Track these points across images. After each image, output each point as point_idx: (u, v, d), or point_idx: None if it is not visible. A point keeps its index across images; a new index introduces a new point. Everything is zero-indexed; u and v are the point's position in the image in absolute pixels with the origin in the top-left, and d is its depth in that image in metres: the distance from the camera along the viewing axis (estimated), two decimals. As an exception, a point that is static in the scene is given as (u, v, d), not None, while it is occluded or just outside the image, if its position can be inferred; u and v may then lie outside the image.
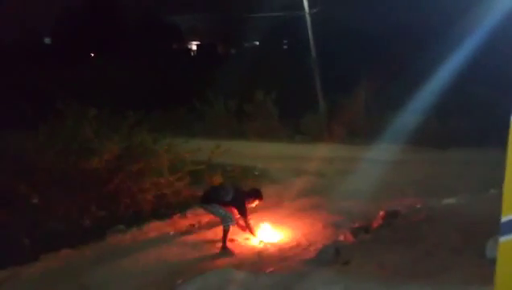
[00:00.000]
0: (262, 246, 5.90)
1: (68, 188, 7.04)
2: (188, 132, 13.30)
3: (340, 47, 18.24)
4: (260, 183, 8.80)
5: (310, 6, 14.95)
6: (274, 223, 6.56)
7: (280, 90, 15.21)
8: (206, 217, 6.83)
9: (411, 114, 12.31)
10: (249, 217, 6.00)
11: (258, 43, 31.30)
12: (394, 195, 7.52)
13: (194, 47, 38.97)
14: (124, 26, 33.69)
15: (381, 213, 6.11)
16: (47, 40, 36.10)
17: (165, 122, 13.87)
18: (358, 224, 6.07)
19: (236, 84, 15.79)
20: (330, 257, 4.83)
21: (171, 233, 6.67)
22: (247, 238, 6.08)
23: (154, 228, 6.89)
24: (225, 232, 5.79)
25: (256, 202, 6.13)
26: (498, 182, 2.03)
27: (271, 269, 4.95)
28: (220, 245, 5.81)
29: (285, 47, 29.86)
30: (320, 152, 11.81)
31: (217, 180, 8.47)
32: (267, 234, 6.19)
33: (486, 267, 3.51)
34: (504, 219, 1.91)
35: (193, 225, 6.90)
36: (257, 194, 6.15)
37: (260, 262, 5.32)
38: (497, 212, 1.97)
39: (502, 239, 1.94)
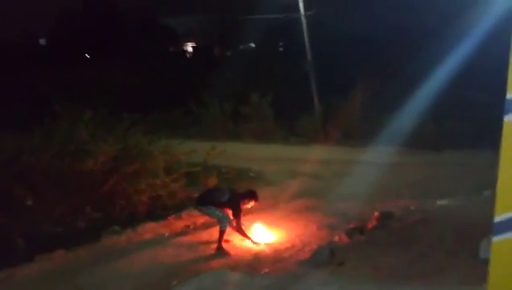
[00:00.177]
0: (256, 247, 5.91)
1: (63, 190, 7.01)
2: (184, 134, 13.28)
3: (336, 49, 18.29)
4: (255, 185, 8.78)
5: (305, 9, 15.00)
6: (270, 224, 6.57)
7: (276, 92, 15.23)
8: (201, 219, 6.83)
9: (407, 117, 12.36)
10: (242, 219, 6.00)
11: (253, 45, 31.34)
12: (388, 197, 7.54)
13: (190, 49, 38.97)
14: (120, 28, 33.64)
15: (376, 214, 6.13)
16: (42, 41, 35.98)
17: (161, 124, 13.85)
18: (353, 225, 6.08)
19: (231, 86, 15.79)
20: (325, 258, 4.84)
21: (166, 234, 6.67)
22: (242, 239, 6.09)
23: (149, 229, 6.88)
24: (222, 233, 5.80)
25: (251, 203, 6.14)
26: (492, 184, 2.05)
27: (266, 270, 4.96)
28: (215, 246, 5.81)
29: (281, 49, 29.93)
30: (316, 154, 11.82)
31: (213, 181, 8.48)
32: (261, 235, 6.19)
33: (480, 268, 3.54)
34: (496, 219, 1.93)
35: (188, 227, 6.90)
36: (252, 195, 6.17)
37: (255, 263, 5.32)
38: (490, 213, 1.99)
39: (495, 239, 1.95)
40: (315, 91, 15.11)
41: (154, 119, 14.21)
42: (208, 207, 5.94)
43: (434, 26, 16.43)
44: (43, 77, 20.90)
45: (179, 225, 7.03)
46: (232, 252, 5.76)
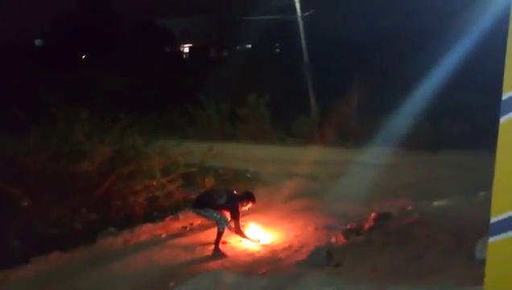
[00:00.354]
0: (258, 246, 5.91)
1: (59, 191, 6.98)
2: (181, 135, 13.26)
3: (333, 51, 18.34)
4: (252, 185, 8.80)
5: (302, 10, 15.02)
6: (267, 225, 6.58)
7: (272, 93, 15.24)
8: (198, 220, 6.82)
9: (403, 117, 12.41)
10: (240, 220, 6.00)
11: (250, 46, 31.36)
12: (385, 197, 7.55)
13: (186, 50, 38.95)
14: (116, 29, 33.60)
15: (373, 215, 6.15)
16: (38, 42, 35.86)
17: (157, 125, 13.84)
18: (350, 226, 6.09)
19: (228, 87, 15.79)
20: (322, 259, 4.85)
21: (163, 235, 6.65)
22: (240, 240, 6.08)
23: (145, 231, 6.86)
24: (219, 234, 5.79)
25: (249, 205, 6.15)
26: (488, 185, 2.06)
27: (263, 271, 4.96)
28: (212, 247, 5.81)
29: (277, 50, 29.96)
30: (312, 155, 11.83)
31: (210, 182, 8.48)
32: (258, 235, 6.19)
33: (476, 269, 3.55)
34: (493, 220, 1.93)
35: (185, 228, 6.89)
36: (249, 197, 6.18)
37: (252, 264, 5.32)
38: (487, 214, 1.99)
39: (491, 240, 1.96)
40: (311, 92, 15.13)
41: (150, 120, 14.19)
42: (206, 209, 5.94)
43: (430, 27, 16.51)
44: (39, 78, 20.83)
45: (175, 226, 7.02)
46: (229, 253, 5.76)
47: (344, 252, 4.95)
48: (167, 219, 7.31)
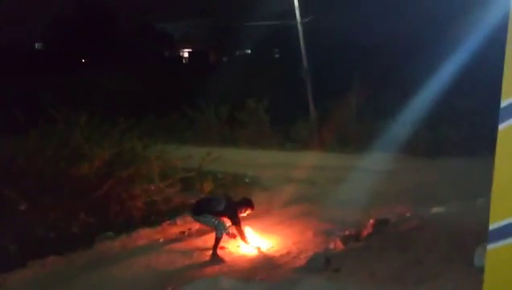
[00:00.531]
0: (258, 252, 5.89)
1: (57, 194, 6.96)
2: (180, 139, 13.26)
3: (332, 56, 18.42)
4: (251, 190, 8.80)
5: (302, 16, 15.08)
6: (265, 231, 6.56)
7: (271, 98, 15.28)
8: (196, 225, 6.79)
9: (401, 123, 12.43)
10: (242, 225, 5.99)
11: (249, 51, 31.46)
12: (384, 203, 7.55)
13: (186, 55, 39.04)
14: (116, 33, 33.66)
15: (372, 221, 6.13)
16: (38, 46, 35.94)
17: (156, 129, 13.84)
18: (348, 232, 6.08)
19: (227, 91, 15.83)
20: (320, 265, 4.83)
21: (161, 240, 6.63)
22: (238, 246, 6.06)
23: (143, 235, 6.84)
24: (217, 240, 5.76)
25: (248, 211, 6.14)
26: (487, 191, 2.06)
27: (261, 277, 4.94)
28: (210, 252, 5.79)
29: (276, 55, 30.06)
30: (311, 160, 11.83)
31: (208, 187, 8.46)
32: (257, 241, 6.17)
33: (475, 275, 3.54)
34: (491, 227, 1.93)
35: (183, 233, 6.86)
36: (248, 203, 6.17)
37: (250, 270, 5.30)
38: (486, 220, 1.99)
39: (490, 247, 1.96)
40: (310, 97, 15.16)
41: (149, 123, 14.19)
42: (205, 215, 5.91)
43: (430, 33, 16.59)
44: (39, 81, 20.86)
45: (173, 231, 7.00)
46: (227, 259, 5.74)
47: (342, 258, 4.93)
48: (165, 224, 7.28)
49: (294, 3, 14.89)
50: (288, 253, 5.78)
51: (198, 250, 6.02)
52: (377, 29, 18.70)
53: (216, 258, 5.69)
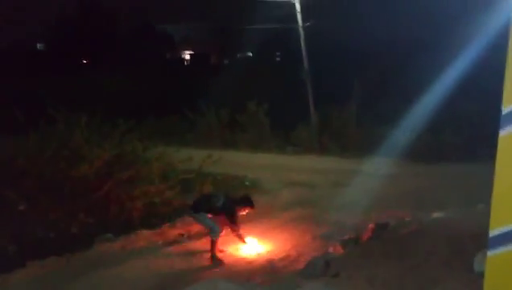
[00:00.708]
0: (256, 255, 5.87)
1: (56, 195, 6.96)
2: (180, 142, 13.27)
3: (333, 60, 18.44)
4: (251, 193, 8.78)
5: (303, 20, 15.11)
6: (264, 234, 6.55)
7: (272, 101, 15.29)
8: (195, 227, 6.78)
9: (402, 128, 12.43)
10: (239, 225, 5.96)
11: (251, 54, 31.51)
12: (383, 207, 7.54)
13: (187, 57, 39.10)
14: (117, 34, 33.72)
15: (371, 225, 6.12)
16: (40, 46, 36.01)
17: (157, 131, 13.84)
18: (348, 236, 6.07)
19: (228, 94, 15.84)
20: (319, 269, 4.81)
21: (160, 242, 6.62)
22: (237, 249, 6.06)
23: (142, 237, 6.83)
24: (213, 243, 5.74)
25: (247, 210, 6.06)
26: (486, 196, 2.06)
27: (260, 280, 4.93)
28: (209, 255, 5.77)
29: (278, 58, 30.12)
30: (311, 164, 11.84)
31: (207, 189, 8.46)
32: (256, 244, 6.16)
33: (474, 281, 3.53)
34: (491, 233, 1.93)
35: (182, 235, 6.85)
36: (248, 202, 6.08)
37: (249, 273, 5.29)
38: (485, 226, 1.99)
39: (490, 253, 1.96)
40: (311, 101, 15.17)
41: (149, 126, 14.19)
42: (202, 214, 5.87)
43: (431, 38, 16.62)
44: (39, 81, 20.88)
45: (173, 233, 6.99)
46: (226, 262, 5.73)
47: (341, 262, 4.92)
48: (165, 226, 7.27)
49: (296, 7, 14.93)
50: (287, 256, 5.77)
51: (197, 253, 6.01)
52: (378, 34, 18.76)
53: (215, 261, 5.68)
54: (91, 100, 15.25)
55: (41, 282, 5.36)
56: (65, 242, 6.40)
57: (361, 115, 14.57)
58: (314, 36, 15.51)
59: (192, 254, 6.03)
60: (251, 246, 6.07)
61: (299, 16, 15.03)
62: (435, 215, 6.43)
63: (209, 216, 5.83)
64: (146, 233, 6.97)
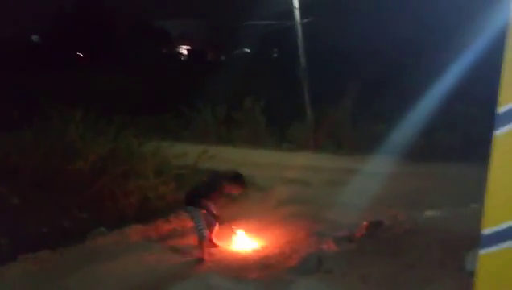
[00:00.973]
0: (243, 252, 5.87)
1: (50, 189, 6.93)
2: (176, 137, 13.25)
3: (330, 58, 18.46)
4: (245, 189, 8.78)
5: (301, 17, 15.09)
6: (259, 230, 6.55)
7: (268, 98, 15.30)
8: (190, 223, 6.76)
9: (397, 127, 12.47)
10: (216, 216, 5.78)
11: (248, 50, 31.47)
12: (378, 206, 7.56)
13: (184, 52, 38.98)
14: (113, 30, 33.55)
15: (365, 223, 6.14)
16: (35, 38, 35.74)
17: (152, 127, 13.81)
18: (341, 233, 6.09)
19: (225, 90, 15.83)
20: (313, 265, 4.83)
21: (154, 237, 6.61)
22: (230, 244, 6.06)
23: (136, 232, 6.81)
24: (201, 243, 5.67)
25: (237, 190, 5.74)
26: (479, 196, 2.07)
27: (254, 276, 4.94)
28: (202, 251, 5.76)
29: (275, 55, 30.10)
30: (306, 161, 11.86)
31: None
32: (248, 240, 6.15)
33: (466, 280, 3.56)
34: (484, 232, 1.94)
35: (176, 230, 6.84)
36: (237, 179, 5.59)
37: (242, 269, 5.29)
38: (477, 226, 2.00)
39: (482, 252, 1.96)
40: (307, 98, 15.19)
41: (145, 121, 14.16)
42: (194, 208, 5.71)
43: (428, 37, 16.66)
44: (34, 76, 20.75)
45: (167, 228, 6.98)
46: (219, 257, 5.72)
47: (335, 259, 4.94)
48: (159, 221, 7.26)
49: (293, 3, 14.91)
50: (281, 253, 5.78)
51: (191, 248, 6.00)
52: (376, 33, 18.77)
53: (203, 257, 5.63)
54: (86, 96, 15.20)
55: (33, 276, 5.33)
56: (58, 236, 6.37)
57: (357, 114, 14.62)
58: (311, 34, 15.52)
59: (186, 249, 6.02)
60: (245, 242, 6.07)
61: (296, 12, 15.01)
62: (429, 214, 6.46)
63: (204, 211, 5.78)
64: (139, 227, 6.95)
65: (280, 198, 8.45)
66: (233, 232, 6.08)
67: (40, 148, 7.21)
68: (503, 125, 1.86)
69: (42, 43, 34.37)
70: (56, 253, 5.98)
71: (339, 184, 9.30)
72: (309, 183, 9.66)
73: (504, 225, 1.88)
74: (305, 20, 15.13)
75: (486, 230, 1.92)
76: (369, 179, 9.29)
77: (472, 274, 2.16)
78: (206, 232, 5.68)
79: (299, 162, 11.65)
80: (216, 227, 5.96)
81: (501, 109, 1.86)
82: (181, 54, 38.70)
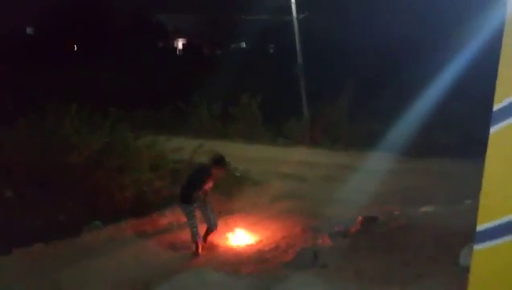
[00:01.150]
0: (238, 247, 5.88)
1: (45, 183, 6.90)
2: (172, 132, 13.20)
3: (327, 54, 18.44)
4: (241, 184, 8.80)
5: (298, 12, 15.04)
6: (254, 225, 6.57)
7: (265, 94, 15.27)
8: (185, 217, 6.77)
9: (393, 124, 12.49)
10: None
11: (244, 45, 31.37)
12: (373, 201, 7.59)
13: (180, 46, 38.75)
14: (110, 24, 33.30)
15: (360, 218, 6.16)
16: (30, 30, 35.37)
17: (148, 121, 13.76)
18: (337, 228, 6.11)
19: (221, 85, 15.79)
20: (308, 260, 4.85)
21: (149, 231, 6.60)
22: (226, 239, 6.07)
23: (131, 226, 6.80)
24: (196, 242, 5.68)
25: (220, 172, 5.72)
26: (474, 193, 2.08)
27: (249, 270, 4.95)
28: (195, 245, 5.76)
29: (271, 50, 30.02)
30: (302, 156, 11.87)
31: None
32: (240, 237, 6.16)
33: (460, 276, 3.58)
34: (479, 228, 1.95)
35: (171, 224, 6.84)
36: (218, 162, 5.64)
37: (238, 263, 5.31)
38: (472, 222, 2.01)
39: (476, 248, 1.98)
40: (304, 94, 15.17)
41: (141, 116, 14.10)
42: (188, 206, 5.70)
43: (425, 38, 16.68)
44: (28, 70, 20.58)
45: (162, 222, 6.97)
46: (214, 252, 5.74)
47: (330, 254, 4.96)
48: (154, 215, 7.25)
49: (290, -2, 14.86)
50: (276, 247, 5.79)
51: (186, 242, 6.01)
52: (374, 30, 18.77)
53: (197, 253, 5.64)
54: (81, 90, 15.10)
55: (27, 269, 5.32)
56: (53, 230, 6.35)
57: (354, 111, 14.61)
58: (309, 30, 15.48)
59: (181, 243, 6.02)
60: (240, 237, 6.09)
61: (293, 7, 14.96)
62: (423, 210, 6.50)
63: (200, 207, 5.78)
64: (134, 221, 6.94)
65: (276, 193, 8.46)
66: (228, 227, 6.09)
67: (35, 142, 7.17)
68: (499, 121, 1.87)
69: (37, 36, 34.07)
70: (51, 247, 5.96)
71: (335, 179, 9.32)
72: (305, 178, 9.68)
73: (499, 221, 1.90)
74: (302, 16, 15.08)
75: (481, 226, 1.94)
76: (365, 175, 9.32)
77: (466, 269, 2.18)
78: (198, 232, 5.68)
79: (294, 157, 11.66)
80: (216, 220, 5.90)
81: (497, 106, 1.87)
82: (177, 48, 38.51)
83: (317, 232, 6.18)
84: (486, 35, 7.98)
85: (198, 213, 5.84)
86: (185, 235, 6.30)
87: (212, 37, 35.19)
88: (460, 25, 10.58)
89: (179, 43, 38.73)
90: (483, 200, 1.93)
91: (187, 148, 8.55)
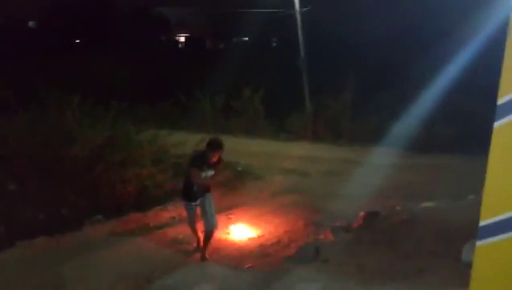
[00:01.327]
0: (244, 238, 5.88)
1: (47, 176, 6.92)
2: (174, 126, 13.20)
3: (330, 48, 18.36)
4: (243, 179, 8.80)
5: (301, 5, 14.95)
6: (256, 219, 6.57)
7: (267, 88, 15.22)
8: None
9: (396, 119, 12.44)
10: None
11: (247, 38, 31.26)
12: (375, 196, 7.58)
13: (182, 39, 38.68)
14: (112, 16, 33.23)
15: (362, 213, 6.15)
16: (32, 24, 35.37)
17: (150, 115, 13.75)
18: (339, 223, 6.11)
19: (223, 79, 15.75)
20: (310, 255, 4.85)
21: (151, 225, 6.61)
22: (228, 233, 6.08)
23: (133, 219, 6.82)
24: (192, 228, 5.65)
25: (215, 154, 5.32)
26: (477, 188, 2.06)
27: (251, 265, 4.96)
28: (198, 240, 5.75)
29: (274, 44, 29.92)
30: (304, 151, 11.84)
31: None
32: (242, 231, 6.16)
33: (462, 271, 3.57)
34: (482, 223, 1.94)
35: (173, 218, 6.85)
36: (211, 144, 5.28)
37: (240, 257, 5.31)
38: (474, 217, 2.00)
39: (479, 243, 1.96)
40: (306, 89, 15.12)
41: (143, 109, 14.09)
42: (190, 204, 5.51)
43: (430, 30, 16.57)
44: (31, 61, 20.60)
45: (164, 216, 6.98)
46: (216, 246, 5.74)
47: (331, 249, 4.96)
48: (156, 209, 7.26)
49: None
50: (278, 242, 5.80)
51: (188, 236, 6.01)
52: (377, 25, 18.65)
53: (197, 247, 5.61)
54: (83, 82, 15.10)
55: (30, 262, 5.34)
56: (55, 223, 6.38)
57: (357, 105, 14.55)
58: (311, 24, 15.39)
59: (183, 237, 6.03)
60: (242, 231, 6.09)
61: (296, 0, 14.87)
62: (426, 205, 6.48)
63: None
64: (137, 215, 6.96)
65: (278, 188, 8.45)
66: (230, 221, 6.09)
67: (37, 135, 7.18)
68: (503, 116, 1.85)
69: (39, 29, 34.05)
70: (53, 240, 5.99)
71: (337, 174, 9.31)
72: (307, 173, 9.67)
73: (502, 217, 1.88)
74: (304, 9, 14.99)
75: (484, 222, 1.92)
76: (368, 170, 9.29)
77: (468, 265, 2.17)
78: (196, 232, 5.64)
79: (297, 152, 11.64)
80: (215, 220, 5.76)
81: (501, 100, 1.85)
82: (180, 41, 38.43)
83: (319, 227, 6.18)
84: (492, 28, 7.92)
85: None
86: (187, 229, 6.31)
87: (214, 31, 35.06)
88: (466, 18, 10.48)
89: (182, 37, 38.64)
90: (486, 196, 1.91)
91: (189, 142, 8.54)
